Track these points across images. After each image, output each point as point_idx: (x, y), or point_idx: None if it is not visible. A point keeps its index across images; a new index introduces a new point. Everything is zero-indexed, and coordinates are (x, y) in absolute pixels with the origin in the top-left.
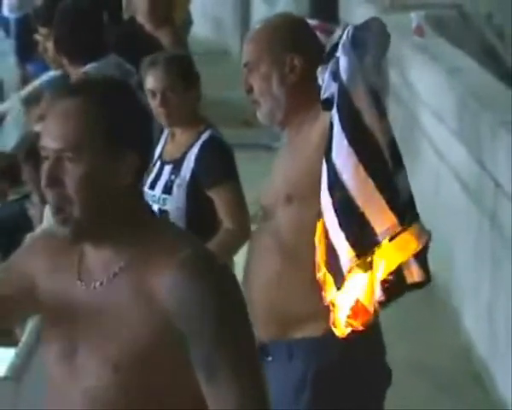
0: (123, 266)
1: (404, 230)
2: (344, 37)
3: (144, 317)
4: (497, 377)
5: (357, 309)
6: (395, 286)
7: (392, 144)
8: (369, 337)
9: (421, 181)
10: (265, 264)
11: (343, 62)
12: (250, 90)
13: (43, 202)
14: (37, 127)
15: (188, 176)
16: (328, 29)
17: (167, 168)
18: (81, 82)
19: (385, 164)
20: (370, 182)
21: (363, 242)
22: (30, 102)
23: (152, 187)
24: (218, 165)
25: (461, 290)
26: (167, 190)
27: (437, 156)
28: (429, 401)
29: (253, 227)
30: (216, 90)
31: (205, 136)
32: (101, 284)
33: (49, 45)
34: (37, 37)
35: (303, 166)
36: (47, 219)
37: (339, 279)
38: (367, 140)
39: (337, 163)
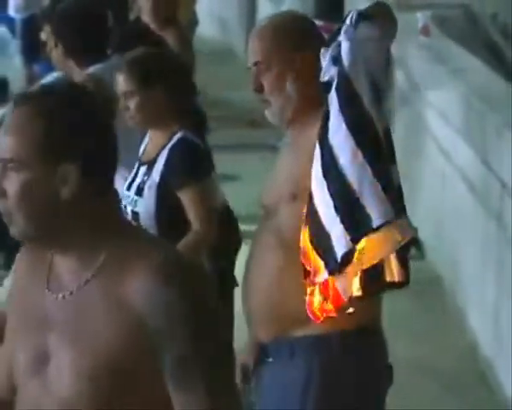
0: (93, 274)
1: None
2: (347, 21)
3: (118, 324)
4: (501, 376)
5: (330, 292)
6: (373, 283)
7: (387, 135)
8: (370, 335)
9: (427, 181)
10: (267, 262)
11: (345, 47)
12: (260, 89)
13: None
14: None
15: (157, 178)
16: (333, 29)
17: (142, 169)
18: (29, 92)
19: (382, 151)
20: (368, 168)
21: (358, 226)
22: None
23: (129, 188)
24: (185, 166)
25: (466, 290)
26: (139, 191)
27: (443, 156)
28: (435, 401)
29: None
30: (221, 89)
31: (176, 137)
32: (71, 293)
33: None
34: (43, 36)
35: (308, 165)
36: None
37: (331, 263)
38: (366, 125)
39: (333, 145)
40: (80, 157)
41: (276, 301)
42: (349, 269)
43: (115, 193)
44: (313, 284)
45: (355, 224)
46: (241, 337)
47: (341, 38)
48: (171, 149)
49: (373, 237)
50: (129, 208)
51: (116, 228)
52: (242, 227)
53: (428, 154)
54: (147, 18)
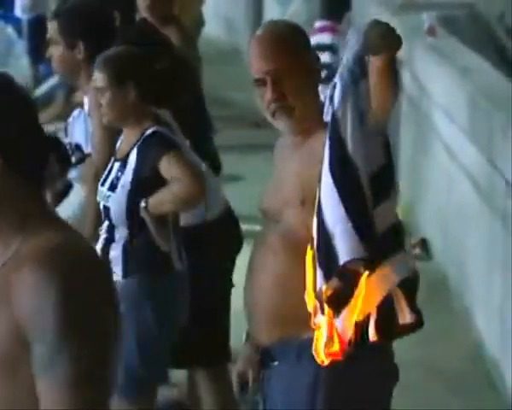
0: (3, 264)
1: (380, 262)
2: (344, 59)
3: (4, 319)
4: (507, 377)
5: (334, 333)
6: (388, 327)
7: (381, 172)
8: None
9: (433, 180)
10: (273, 266)
11: (338, 87)
12: (281, 98)
13: (56, 200)
14: (49, 127)
15: (130, 175)
16: (338, 29)
17: (116, 165)
18: None
19: (360, 195)
20: (342, 208)
21: (329, 265)
22: (43, 102)
23: (103, 184)
24: (158, 144)
25: (472, 291)
26: (112, 187)
27: (448, 156)
28: (440, 401)
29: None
30: (227, 90)
31: (148, 132)
32: None
33: None
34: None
35: (316, 170)
36: None
37: (321, 304)
38: (346, 168)
39: (321, 185)
40: (2, 146)
41: (282, 304)
42: (346, 311)
43: (41, 182)
44: (316, 326)
45: (327, 262)
46: (239, 336)
47: (336, 78)
48: (141, 145)
49: (368, 278)
50: (101, 203)
51: (36, 219)
52: (245, 227)
53: (434, 153)
54: (143, 16)
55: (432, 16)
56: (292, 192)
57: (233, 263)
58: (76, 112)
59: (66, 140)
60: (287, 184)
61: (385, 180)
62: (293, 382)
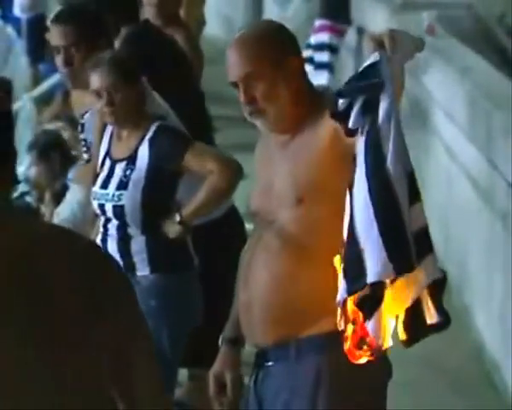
0: None
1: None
2: (384, 69)
3: None
4: (507, 377)
5: (364, 338)
6: (416, 327)
7: (413, 172)
8: None
9: (433, 181)
10: (272, 267)
11: (384, 103)
12: (252, 101)
13: (55, 200)
14: (50, 126)
15: (145, 169)
16: (339, 29)
17: (120, 166)
18: None
19: (396, 211)
20: (375, 225)
21: (354, 280)
22: (42, 101)
23: (104, 186)
24: (172, 141)
25: (473, 290)
26: (122, 185)
27: (448, 156)
28: (441, 401)
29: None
30: (227, 89)
31: (153, 127)
32: None
33: None
34: (63, 40)
35: (313, 167)
36: (57, 217)
37: (344, 314)
38: (384, 185)
39: (354, 194)
40: None
41: (280, 304)
42: (377, 314)
43: None
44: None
45: (352, 276)
46: None
47: (382, 97)
48: (152, 139)
49: (399, 281)
50: (109, 204)
51: None
52: (247, 226)
53: (434, 153)
54: (149, 14)
55: (431, 15)
56: (285, 192)
57: (237, 262)
58: (93, 109)
59: (82, 136)
60: (279, 184)
61: (416, 181)
62: (294, 381)
